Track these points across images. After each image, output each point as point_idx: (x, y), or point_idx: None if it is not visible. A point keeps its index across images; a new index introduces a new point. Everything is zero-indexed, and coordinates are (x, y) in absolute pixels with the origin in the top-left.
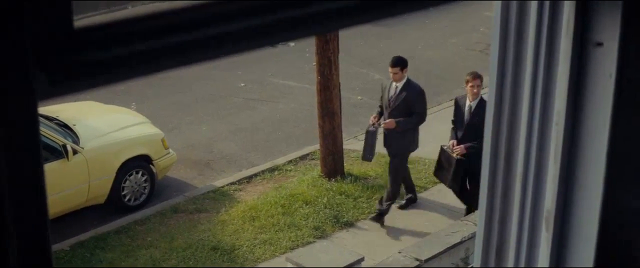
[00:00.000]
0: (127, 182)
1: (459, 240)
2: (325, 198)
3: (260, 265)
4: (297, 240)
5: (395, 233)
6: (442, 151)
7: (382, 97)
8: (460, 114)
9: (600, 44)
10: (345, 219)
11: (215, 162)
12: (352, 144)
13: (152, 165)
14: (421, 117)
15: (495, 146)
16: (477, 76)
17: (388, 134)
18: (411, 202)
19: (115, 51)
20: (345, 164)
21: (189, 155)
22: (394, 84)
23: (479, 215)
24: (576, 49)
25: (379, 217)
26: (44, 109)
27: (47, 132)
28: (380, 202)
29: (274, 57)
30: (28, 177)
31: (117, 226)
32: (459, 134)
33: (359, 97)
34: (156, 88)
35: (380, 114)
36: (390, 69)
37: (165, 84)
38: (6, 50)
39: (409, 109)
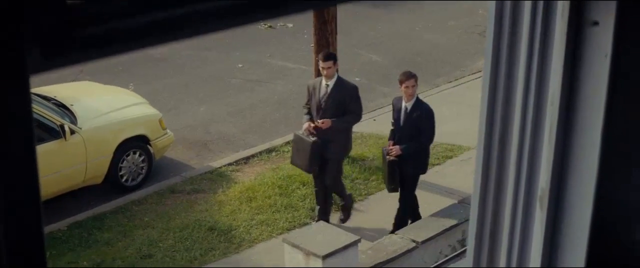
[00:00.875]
0: (125, 162)
1: (455, 222)
2: None
3: (257, 246)
4: (294, 221)
5: (392, 215)
6: (383, 153)
7: (309, 99)
8: (397, 115)
9: (596, 23)
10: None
11: (212, 143)
12: None
13: (150, 145)
14: (357, 116)
15: (490, 127)
16: (410, 76)
17: (324, 137)
18: (348, 209)
19: (108, 26)
20: None
21: (187, 136)
22: (324, 82)
23: (473, 195)
24: (572, 28)
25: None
26: (42, 89)
27: (45, 112)
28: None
29: (272, 38)
30: (20, 154)
31: (115, 206)
32: (397, 136)
33: (357, 78)
34: (154, 69)
35: (311, 118)
36: (322, 64)
37: (163, 64)
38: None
39: (343, 108)
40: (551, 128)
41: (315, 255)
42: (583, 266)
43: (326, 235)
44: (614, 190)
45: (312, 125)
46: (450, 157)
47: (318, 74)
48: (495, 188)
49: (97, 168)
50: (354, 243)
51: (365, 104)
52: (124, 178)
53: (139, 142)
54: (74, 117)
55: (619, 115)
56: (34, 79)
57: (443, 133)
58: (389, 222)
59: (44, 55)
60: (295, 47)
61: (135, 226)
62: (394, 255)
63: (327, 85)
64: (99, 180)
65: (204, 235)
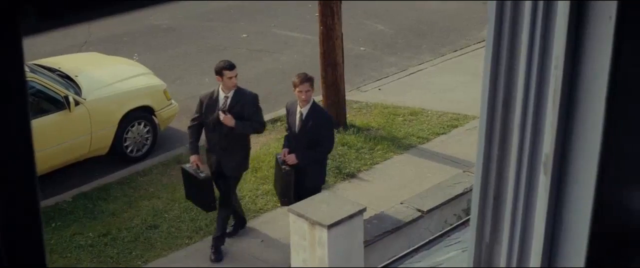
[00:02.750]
0: (130, 133)
1: (461, 191)
2: None
3: (262, 216)
4: None
5: (397, 184)
6: (276, 161)
7: (204, 113)
8: (291, 121)
9: None
10: (347, 170)
11: None
12: (355, 95)
13: (155, 116)
14: (261, 125)
15: (494, 91)
16: (305, 79)
17: (223, 153)
18: (240, 228)
19: None
20: (347, 115)
21: (192, 106)
22: (221, 94)
23: (477, 160)
24: None
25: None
26: (46, 60)
27: (49, 83)
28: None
29: (276, 8)
30: (14, 121)
31: (120, 177)
32: (292, 144)
33: (362, 48)
34: (159, 39)
35: (198, 134)
36: (228, 73)
37: (168, 35)
38: None
39: (243, 119)
40: (555, 92)
41: (320, 224)
42: (587, 233)
43: (331, 204)
44: (619, 155)
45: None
46: (456, 126)
47: (324, 44)
48: (499, 153)
49: (102, 139)
50: (359, 213)
51: (369, 73)
52: (129, 149)
53: (143, 113)
54: (79, 88)
55: (624, 81)
56: (38, 51)
57: (449, 102)
58: (393, 192)
59: (39, 15)
60: (300, 17)
61: (141, 197)
62: (399, 224)
63: (227, 98)
64: (104, 151)
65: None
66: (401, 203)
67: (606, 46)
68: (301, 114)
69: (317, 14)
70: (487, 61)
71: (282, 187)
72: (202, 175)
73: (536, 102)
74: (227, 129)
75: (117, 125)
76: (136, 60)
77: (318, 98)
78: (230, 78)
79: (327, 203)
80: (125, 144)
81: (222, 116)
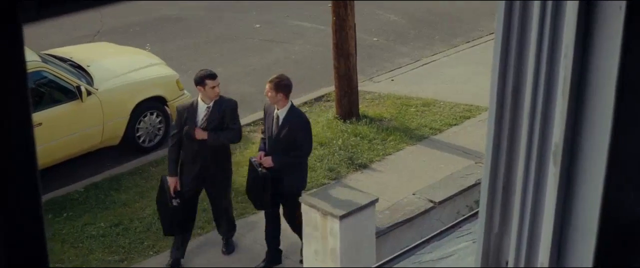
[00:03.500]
0: (142, 123)
1: (473, 183)
2: (340, 140)
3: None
4: (312, 182)
5: (409, 175)
6: (250, 164)
7: (182, 123)
8: (268, 123)
9: None
10: (359, 161)
11: None
12: (367, 86)
13: (167, 106)
14: (237, 134)
15: (503, 81)
16: (271, 81)
17: (207, 166)
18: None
19: None
20: (360, 106)
21: None
22: (202, 104)
23: (486, 150)
24: None
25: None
26: (58, 50)
27: (61, 73)
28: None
29: None
30: (14, 111)
31: (132, 167)
32: (268, 147)
33: (375, 39)
34: (171, 29)
35: (179, 152)
36: (211, 82)
37: (180, 25)
38: None
39: (222, 127)
40: (565, 82)
41: (332, 215)
42: (597, 224)
43: (344, 195)
44: (629, 144)
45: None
46: (468, 118)
47: (336, 34)
48: (508, 144)
49: (114, 129)
50: (372, 203)
51: (382, 64)
52: (141, 139)
53: (156, 103)
54: (91, 78)
55: (634, 69)
56: (50, 41)
57: (461, 93)
58: (406, 183)
59: (39, 3)
60: (313, 7)
61: (153, 187)
62: (411, 216)
63: (208, 108)
64: (116, 142)
65: None
66: (413, 194)
67: (616, 36)
68: (277, 117)
69: (330, 5)
70: (496, 51)
71: (257, 191)
72: (175, 203)
73: (546, 91)
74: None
75: (129, 116)
76: (148, 50)
77: (331, 89)
78: (213, 87)
79: (339, 194)
80: (138, 134)
81: (197, 133)
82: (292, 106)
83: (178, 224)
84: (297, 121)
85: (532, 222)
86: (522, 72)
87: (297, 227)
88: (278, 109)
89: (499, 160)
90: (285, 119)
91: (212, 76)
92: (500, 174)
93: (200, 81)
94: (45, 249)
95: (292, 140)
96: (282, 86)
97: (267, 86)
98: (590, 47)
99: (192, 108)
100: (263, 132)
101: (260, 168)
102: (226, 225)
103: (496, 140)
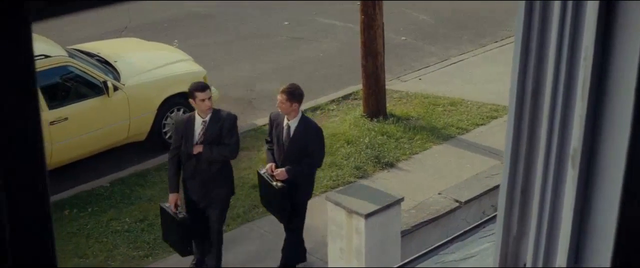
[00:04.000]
0: (168, 119)
1: (499, 183)
2: (367, 139)
3: None
4: (338, 180)
5: (435, 174)
6: (260, 177)
7: (180, 138)
8: (278, 134)
9: None
10: (386, 159)
11: (257, 101)
12: (395, 85)
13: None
14: (234, 150)
15: (522, 83)
16: (284, 91)
17: (206, 182)
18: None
19: None
20: (387, 104)
21: (231, 93)
22: (198, 119)
23: (505, 152)
24: None
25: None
26: (85, 46)
27: (88, 68)
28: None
29: None
30: (22, 114)
31: (158, 163)
32: (279, 158)
33: (403, 38)
34: (199, 26)
35: (179, 167)
36: (200, 95)
37: (208, 21)
38: None
39: (221, 141)
40: (584, 84)
41: (357, 213)
42: (615, 227)
43: (369, 194)
44: None
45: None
46: (495, 118)
47: (364, 33)
48: (527, 146)
49: (140, 125)
50: (397, 203)
51: (410, 63)
52: (168, 135)
53: (183, 99)
54: (118, 73)
55: None
56: (77, 36)
57: (489, 93)
58: (432, 182)
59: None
60: (342, 5)
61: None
62: (436, 215)
63: (205, 122)
64: (143, 137)
65: (247, 192)
66: (439, 194)
67: (637, 38)
68: (288, 127)
69: (359, 3)
70: (516, 52)
71: (279, 204)
72: (180, 216)
73: (565, 94)
74: (205, 150)
75: (156, 111)
76: (176, 46)
77: (358, 87)
78: (203, 100)
79: (365, 193)
80: (164, 130)
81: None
82: (303, 115)
83: (192, 238)
84: (309, 131)
85: (550, 224)
86: (542, 74)
87: (297, 243)
88: (289, 120)
89: (518, 162)
90: (297, 129)
91: (202, 88)
92: (519, 177)
93: (190, 94)
94: (54, 249)
95: (304, 150)
96: (297, 95)
97: (281, 97)
98: (610, 48)
99: (190, 122)
100: (268, 143)
101: (274, 182)
102: (214, 255)
103: (515, 142)
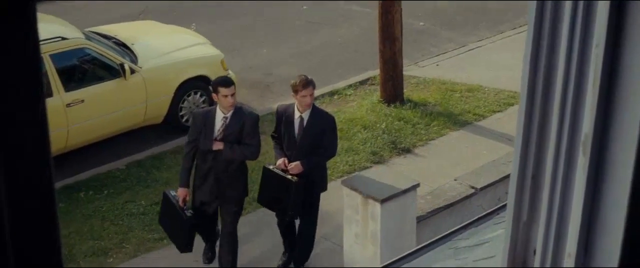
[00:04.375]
0: (185, 102)
1: None
2: (384, 124)
3: None
4: (354, 165)
5: (451, 160)
6: (269, 173)
7: (198, 131)
8: (288, 128)
9: None
10: (403, 145)
11: (274, 85)
12: (413, 70)
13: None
14: (255, 151)
15: (534, 69)
16: (308, 83)
17: (221, 181)
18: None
19: None
20: (404, 90)
21: (249, 77)
22: (219, 114)
23: (516, 139)
24: None
25: None
26: (102, 28)
27: (105, 51)
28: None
29: None
30: (26, 103)
31: (174, 146)
32: (290, 152)
33: (421, 23)
34: (217, 9)
35: (193, 162)
36: (223, 90)
37: (226, 5)
38: None
39: (241, 139)
40: (596, 71)
41: (373, 198)
42: (625, 214)
43: (385, 179)
44: None
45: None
46: (512, 104)
47: (382, 18)
48: (538, 133)
49: (157, 108)
50: (413, 188)
51: (428, 49)
52: (185, 118)
53: (200, 83)
54: (135, 56)
55: None
56: (95, 19)
57: (506, 79)
58: (448, 168)
59: None
60: None
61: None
62: (452, 201)
63: (226, 118)
64: (159, 120)
65: None
66: (455, 180)
67: None
68: (302, 119)
69: None
70: (528, 39)
71: (293, 199)
72: (188, 214)
73: (577, 81)
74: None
75: (172, 94)
76: (194, 29)
77: (376, 72)
78: (226, 96)
79: (381, 178)
80: (181, 113)
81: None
82: (314, 106)
83: (199, 235)
84: (324, 121)
85: (560, 211)
86: (553, 61)
87: (313, 235)
88: (302, 112)
89: (529, 149)
90: (310, 120)
91: (226, 83)
92: (530, 163)
93: (213, 88)
94: (59, 244)
95: (319, 141)
96: (314, 85)
97: (310, 88)
98: (623, 36)
99: (210, 116)
100: (276, 138)
101: (289, 177)
102: (228, 255)
103: (526, 129)
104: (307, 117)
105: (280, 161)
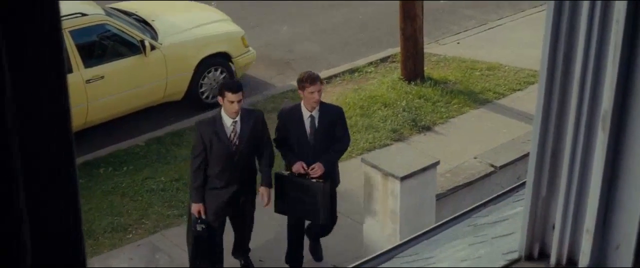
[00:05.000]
0: (206, 79)
1: None
2: (404, 101)
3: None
4: (375, 142)
5: (471, 139)
6: (286, 179)
7: (205, 142)
8: (298, 128)
9: None
10: (423, 123)
11: (295, 62)
12: (433, 48)
13: (231, 62)
14: (272, 149)
15: (554, 48)
16: (316, 78)
17: (236, 189)
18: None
19: None
20: (425, 68)
21: (269, 54)
22: (227, 119)
23: (535, 114)
24: None
25: None
26: (123, 4)
27: (125, 27)
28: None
29: None
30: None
31: (194, 123)
32: (303, 154)
33: (442, 1)
34: None
35: (204, 175)
36: (230, 96)
37: None
38: None
39: (258, 139)
40: (616, 48)
41: (393, 176)
42: None
43: (405, 156)
44: None
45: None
46: (532, 83)
47: None
48: (558, 108)
49: (177, 84)
50: (433, 166)
51: (448, 27)
52: (205, 95)
53: (220, 59)
54: (155, 32)
55: None
56: None
57: (527, 58)
58: (467, 146)
59: None
60: None
61: None
62: (472, 179)
63: (235, 122)
64: (179, 97)
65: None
66: (475, 158)
67: None
68: (312, 118)
69: None
70: (548, 16)
71: (320, 201)
72: (199, 228)
73: (596, 57)
74: (244, 161)
75: (193, 71)
76: (214, 6)
77: (396, 50)
78: (232, 102)
79: (401, 155)
80: (201, 90)
81: (301, 169)
82: (322, 102)
83: (203, 255)
84: (333, 115)
85: (579, 187)
86: (574, 38)
87: (323, 229)
88: (311, 110)
89: (549, 125)
90: (321, 117)
91: (234, 88)
92: (549, 139)
93: (219, 91)
94: (80, 220)
95: (331, 137)
96: (321, 81)
97: (318, 86)
98: None
99: (216, 123)
100: (281, 143)
101: (313, 180)
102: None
103: (546, 105)
104: (317, 115)
105: (297, 165)
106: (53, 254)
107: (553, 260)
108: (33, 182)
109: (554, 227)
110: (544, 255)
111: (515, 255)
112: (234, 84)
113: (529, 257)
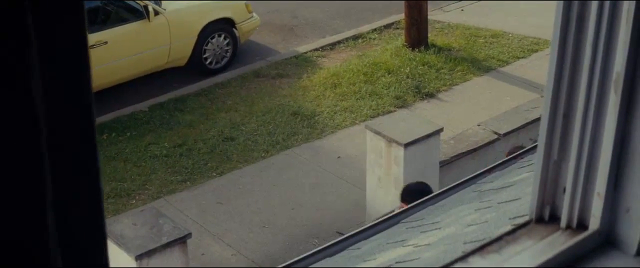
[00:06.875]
0: (209, 44)
1: (538, 116)
2: (408, 68)
3: (339, 132)
4: (378, 109)
5: (475, 106)
6: None
7: None
8: None
9: None
10: (426, 90)
11: (299, 28)
12: (437, 15)
13: (235, 28)
14: None
15: (567, 9)
16: None
17: None
18: None
19: None
20: (429, 35)
21: (273, 20)
22: None
23: (547, 76)
24: None
25: None
26: None
27: None
28: None
29: None
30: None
31: (198, 88)
32: None
33: None
34: None
35: None
36: None
37: None
38: None
39: None
40: (629, 10)
41: (397, 142)
42: None
43: (409, 123)
44: None
45: None
46: (536, 51)
47: None
48: (571, 70)
49: (181, 50)
50: (436, 133)
51: None
52: (208, 61)
53: (224, 25)
54: None
55: None
56: None
57: (530, 26)
58: (471, 113)
59: None
60: None
61: (218, 109)
62: (475, 146)
63: None
64: (183, 62)
65: (286, 119)
66: (478, 125)
67: None
68: None
69: None
70: None
71: None
72: None
73: (609, 19)
74: None
75: (196, 37)
76: None
77: (400, 16)
78: None
79: (404, 122)
80: (205, 56)
81: None
82: None
83: None
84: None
85: (590, 149)
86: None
87: None
88: None
89: (561, 87)
90: None
91: None
92: (561, 102)
93: None
94: (106, 248)
95: None
96: None
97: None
98: None
99: None
100: None
101: None
102: None
103: (559, 67)
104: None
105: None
106: (79, 251)
107: (564, 222)
108: (59, 179)
109: (564, 191)
110: (554, 218)
111: (522, 220)
112: None
113: (539, 220)
